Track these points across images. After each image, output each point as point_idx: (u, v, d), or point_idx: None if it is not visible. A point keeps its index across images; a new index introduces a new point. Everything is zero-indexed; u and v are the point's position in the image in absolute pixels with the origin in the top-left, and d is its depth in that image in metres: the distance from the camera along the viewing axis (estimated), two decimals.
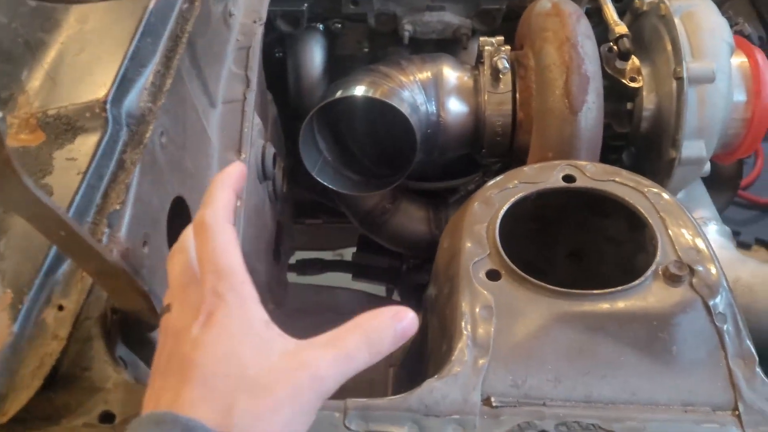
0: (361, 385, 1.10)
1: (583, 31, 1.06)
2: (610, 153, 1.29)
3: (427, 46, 1.42)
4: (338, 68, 1.47)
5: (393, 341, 0.54)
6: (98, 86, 0.73)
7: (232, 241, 0.55)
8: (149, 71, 0.77)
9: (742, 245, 1.72)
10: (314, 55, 1.45)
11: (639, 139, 1.22)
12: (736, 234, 1.73)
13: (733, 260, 1.10)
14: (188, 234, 0.61)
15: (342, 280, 1.85)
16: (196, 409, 0.47)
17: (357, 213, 1.51)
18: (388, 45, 1.45)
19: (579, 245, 1.10)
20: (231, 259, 0.53)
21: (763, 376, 0.71)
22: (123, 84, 0.74)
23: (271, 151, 1.08)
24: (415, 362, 0.97)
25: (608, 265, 1.04)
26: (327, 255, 2.06)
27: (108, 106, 0.72)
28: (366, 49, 1.48)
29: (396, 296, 1.79)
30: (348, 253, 1.85)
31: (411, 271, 1.68)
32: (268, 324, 0.53)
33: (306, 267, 2.15)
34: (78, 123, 0.72)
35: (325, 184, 1.20)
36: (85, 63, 0.76)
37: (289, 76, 1.45)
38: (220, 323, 0.50)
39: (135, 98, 0.75)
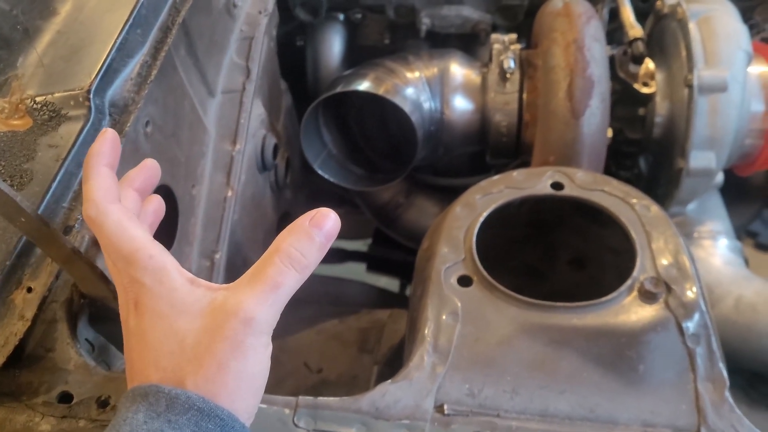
0: (344, 380, 1.12)
1: (592, 34, 1.02)
2: (624, 159, 1.26)
3: (446, 40, 1.41)
4: (359, 59, 1.45)
5: (318, 250, 0.52)
6: (84, 75, 0.75)
7: (122, 221, 0.54)
8: (135, 62, 0.78)
9: (761, 247, 1.66)
10: (333, 45, 1.45)
11: (652, 146, 1.18)
12: (754, 235, 1.66)
13: (738, 277, 1.06)
14: None
15: (361, 271, 1.86)
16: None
17: (371, 206, 1.51)
18: (408, 38, 1.44)
19: (580, 252, 1.08)
20: (130, 241, 0.53)
21: (731, 402, 0.69)
22: (108, 74, 0.76)
23: (271, 141, 1.09)
24: (400, 360, 0.97)
25: (609, 272, 1.02)
26: (352, 245, 2.07)
27: (91, 96, 0.74)
28: (387, 41, 1.47)
29: (409, 292, 1.78)
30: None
31: None
32: (192, 283, 0.53)
33: (326, 255, 2.17)
34: (63, 111, 0.74)
35: (327, 177, 1.20)
36: (75, 51, 0.78)
37: (308, 65, 1.45)
38: (149, 308, 0.52)
39: (119, 88, 0.76)
